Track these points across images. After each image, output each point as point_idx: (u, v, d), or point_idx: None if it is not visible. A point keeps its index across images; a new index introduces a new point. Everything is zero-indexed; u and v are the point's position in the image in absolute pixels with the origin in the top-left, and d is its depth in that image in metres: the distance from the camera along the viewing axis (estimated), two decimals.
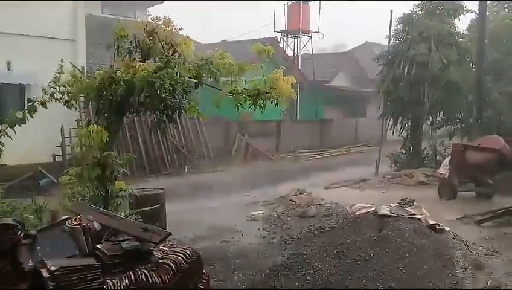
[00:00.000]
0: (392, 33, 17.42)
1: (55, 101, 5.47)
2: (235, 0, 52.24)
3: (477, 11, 17.43)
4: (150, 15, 8.07)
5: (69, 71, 5.98)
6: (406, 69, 16.00)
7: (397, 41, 17.56)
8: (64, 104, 5.58)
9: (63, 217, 3.82)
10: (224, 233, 8.79)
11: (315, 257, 6.47)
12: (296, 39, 28.77)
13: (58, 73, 5.54)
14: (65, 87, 5.48)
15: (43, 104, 5.33)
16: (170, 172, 16.72)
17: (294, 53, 28.49)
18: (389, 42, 17.49)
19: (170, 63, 5.50)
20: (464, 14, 17.69)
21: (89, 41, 15.54)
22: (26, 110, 5.26)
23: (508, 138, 11.82)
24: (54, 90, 5.42)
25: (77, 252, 3.41)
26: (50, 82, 5.48)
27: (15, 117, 5.25)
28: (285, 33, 28.71)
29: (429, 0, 17.31)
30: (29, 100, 5.39)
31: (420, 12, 17.37)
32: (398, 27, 17.47)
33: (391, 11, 17.44)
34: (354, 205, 8.87)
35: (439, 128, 17.68)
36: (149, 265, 3.44)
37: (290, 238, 8.11)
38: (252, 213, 10.34)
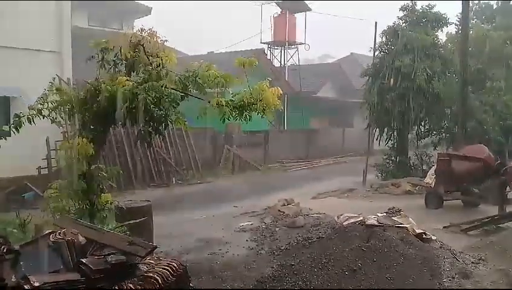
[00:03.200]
0: (376, 45, 17.65)
1: (43, 118, 5.37)
2: (223, 0, 51.64)
3: (458, 22, 17.83)
4: (134, 27, 8.04)
5: (53, 84, 5.91)
6: (391, 80, 16.18)
7: (382, 53, 17.77)
8: (52, 122, 5.50)
9: (47, 231, 3.77)
10: (212, 245, 8.73)
11: (303, 268, 6.47)
12: (282, 50, 28.99)
13: (48, 90, 5.46)
14: (52, 104, 5.40)
15: (30, 120, 5.25)
16: (158, 184, 16.60)
17: (281, 64, 28.68)
18: (374, 54, 17.71)
19: (152, 76, 5.48)
20: (447, 26, 18.04)
21: (74, 53, 15.43)
22: (13, 125, 5.18)
23: None
24: (41, 106, 5.34)
25: (61, 267, 3.36)
26: (38, 98, 5.39)
27: (1, 130, 5.18)
28: (271, 44, 28.92)
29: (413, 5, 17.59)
30: (16, 115, 5.29)
31: (404, 24, 17.64)
32: (383, 39, 17.71)
33: (375, 23, 17.73)
34: (341, 215, 8.89)
35: (424, 138, 17.87)
36: (135, 279, 3.40)
37: (279, 249, 8.08)
38: (241, 224, 10.30)
